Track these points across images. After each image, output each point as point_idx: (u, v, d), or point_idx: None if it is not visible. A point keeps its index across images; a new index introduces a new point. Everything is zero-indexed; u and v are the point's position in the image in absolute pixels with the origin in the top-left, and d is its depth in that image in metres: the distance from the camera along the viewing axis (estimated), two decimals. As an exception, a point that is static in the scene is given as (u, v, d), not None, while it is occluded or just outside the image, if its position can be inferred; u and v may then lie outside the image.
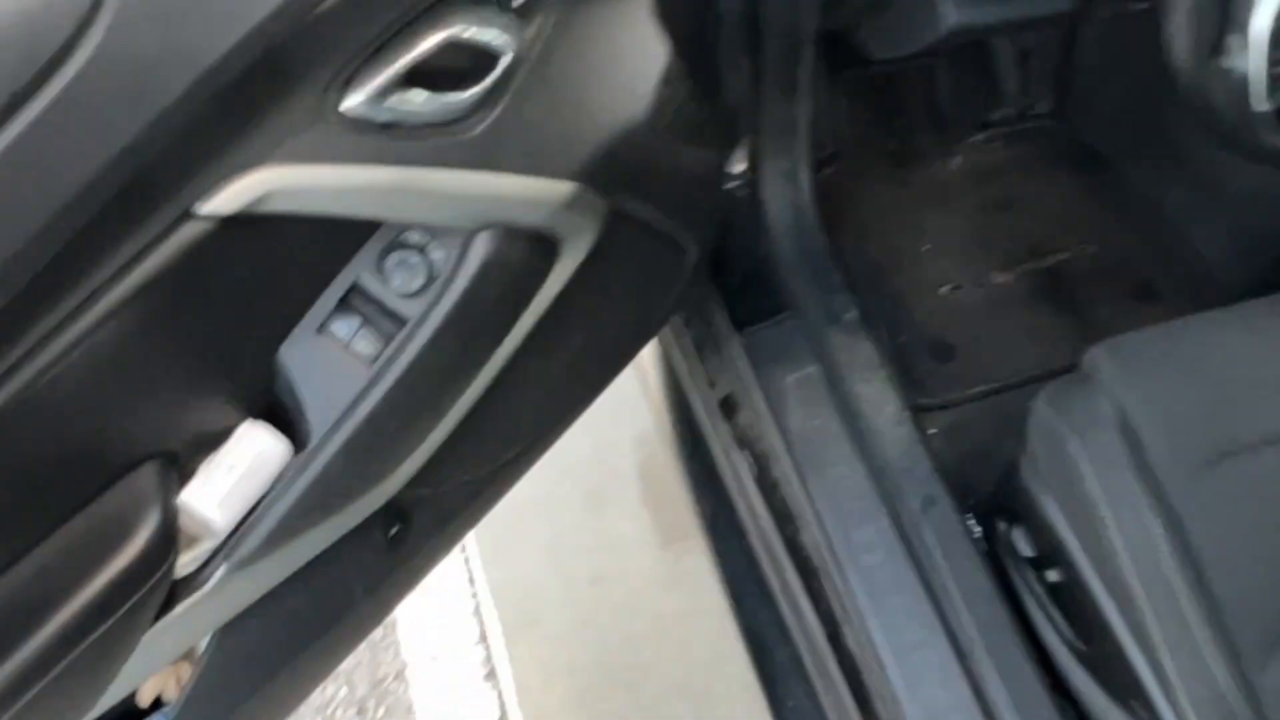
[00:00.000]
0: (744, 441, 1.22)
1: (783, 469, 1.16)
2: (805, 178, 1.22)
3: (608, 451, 1.60)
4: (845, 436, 1.13)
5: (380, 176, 0.68)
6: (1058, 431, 0.94)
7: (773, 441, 1.17)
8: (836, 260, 1.26)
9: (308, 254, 0.72)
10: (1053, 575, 1.00)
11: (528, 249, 0.79)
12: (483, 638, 1.46)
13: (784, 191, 1.21)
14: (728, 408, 1.25)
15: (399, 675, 1.44)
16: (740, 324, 1.25)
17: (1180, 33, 0.77)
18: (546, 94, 0.75)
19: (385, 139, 0.67)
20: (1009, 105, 1.57)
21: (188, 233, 0.61)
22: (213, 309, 0.68)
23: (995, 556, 1.10)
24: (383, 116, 0.67)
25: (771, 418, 1.18)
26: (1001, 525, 1.08)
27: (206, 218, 0.61)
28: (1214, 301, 1.35)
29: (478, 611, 1.49)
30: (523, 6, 0.71)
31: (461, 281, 0.75)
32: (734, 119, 1.14)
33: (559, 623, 1.45)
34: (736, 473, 1.23)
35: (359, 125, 0.66)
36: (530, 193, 0.77)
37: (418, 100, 0.68)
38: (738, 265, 1.27)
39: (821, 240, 1.24)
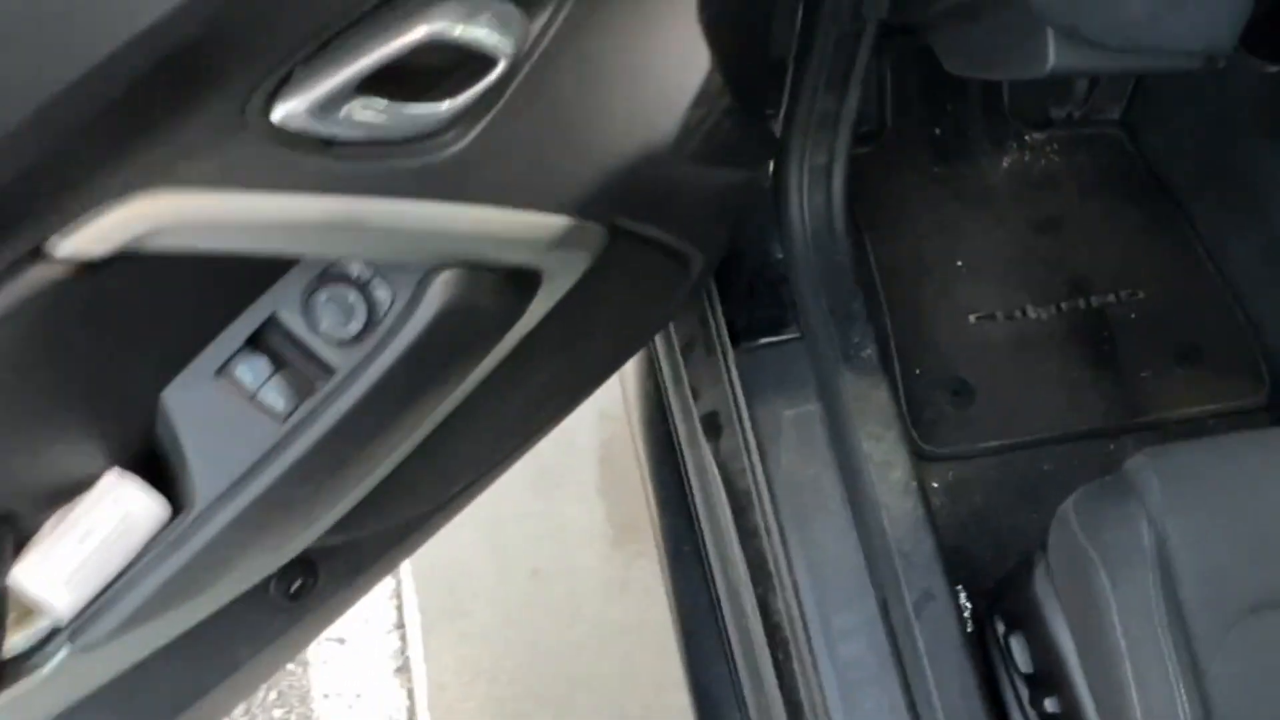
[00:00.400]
0: (724, 470, 1.09)
1: (764, 516, 1.04)
2: (840, 177, 1.06)
3: (568, 425, 1.47)
4: (841, 496, 1.00)
5: (316, 208, 0.52)
6: (1086, 555, 0.83)
7: (757, 482, 1.05)
8: (861, 276, 1.11)
9: (209, 283, 0.56)
10: (1050, 704, 0.90)
11: (499, 290, 0.65)
12: (399, 624, 1.34)
13: (814, 191, 1.06)
14: (711, 427, 1.12)
15: (299, 657, 1.33)
16: (738, 335, 1.11)
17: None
18: (547, 108, 0.59)
19: (327, 159, 0.52)
20: (1075, 104, 1.41)
21: (38, 276, 0.46)
22: (72, 345, 0.53)
23: (984, 649, 0.99)
24: (326, 130, 0.51)
25: (759, 456, 1.05)
26: (1000, 625, 0.97)
27: (63, 261, 0.46)
28: (1262, 381, 1.23)
29: (397, 593, 1.37)
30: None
31: (411, 331, 0.60)
32: (772, 135, 0.98)
33: (487, 617, 1.33)
34: (710, 504, 1.11)
35: (293, 140, 0.50)
36: (512, 229, 0.61)
37: (375, 110, 0.52)
38: (746, 265, 1.12)
39: (848, 252, 1.09)
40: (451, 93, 0.54)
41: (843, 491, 1.01)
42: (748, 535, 1.05)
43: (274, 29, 0.47)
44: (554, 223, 0.63)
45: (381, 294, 0.60)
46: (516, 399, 0.81)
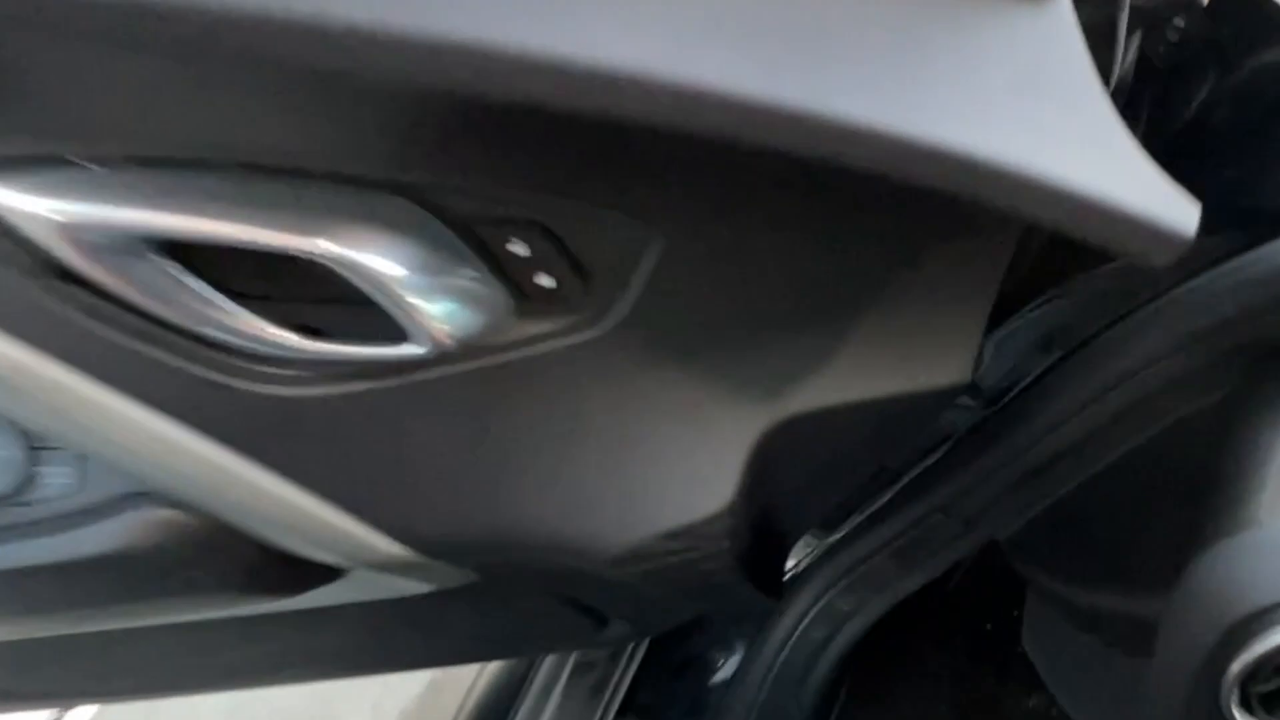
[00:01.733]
0: None
1: None
2: (850, 635, 0.87)
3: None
4: None
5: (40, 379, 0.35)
6: None
7: None
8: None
9: None
10: None
11: (247, 569, 0.45)
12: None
13: (813, 629, 0.86)
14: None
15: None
16: (639, 708, 0.91)
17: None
18: (450, 426, 0.41)
19: (44, 294, 0.35)
20: None
21: None
22: None
23: None
24: (90, 271, 0.34)
25: None
26: None
27: None
28: None
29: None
30: (553, 293, 0.37)
31: (69, 547, 0.41)
32: (779, 584, 0.80)
33: None
34: None
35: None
36: (311, 529, 0.42)
37: (195, 289, 0.35)
38: (690, 642, 0.92)
39: (806, 711, 0.89)
40: (325, 324, 0.36)
41: None
42: None
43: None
44: (383, 547, 0.44)
45: (54, 473, 0.42)
46: (253, 652, 0.61)
